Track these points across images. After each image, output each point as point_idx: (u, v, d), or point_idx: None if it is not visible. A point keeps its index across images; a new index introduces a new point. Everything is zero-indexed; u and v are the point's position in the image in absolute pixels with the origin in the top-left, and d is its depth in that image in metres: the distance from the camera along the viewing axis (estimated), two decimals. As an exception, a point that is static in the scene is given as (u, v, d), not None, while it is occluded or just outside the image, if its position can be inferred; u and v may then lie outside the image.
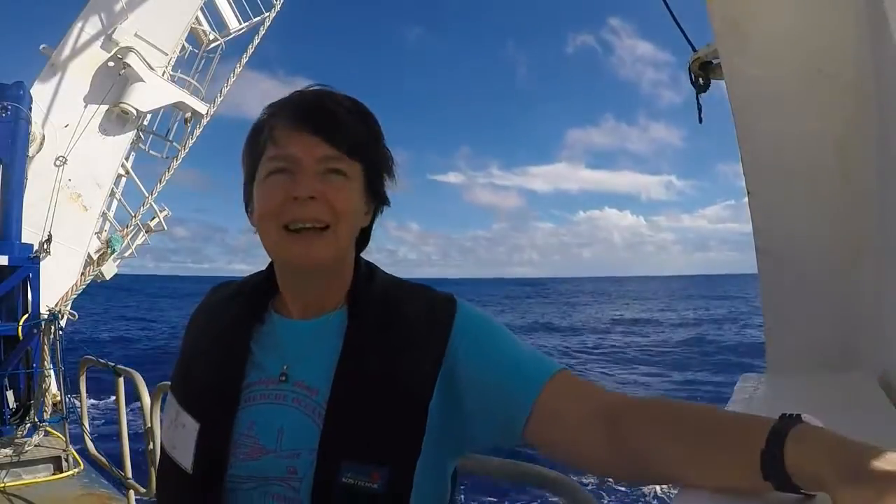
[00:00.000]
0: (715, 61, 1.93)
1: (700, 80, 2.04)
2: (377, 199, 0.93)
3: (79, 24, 6.98)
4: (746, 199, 1.41)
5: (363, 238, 0.96)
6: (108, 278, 7.54)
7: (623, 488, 8.51)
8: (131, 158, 8.14)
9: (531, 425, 0.79)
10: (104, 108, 7.08)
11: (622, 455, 0.73)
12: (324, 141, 0.83)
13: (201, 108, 7.87)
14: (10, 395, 5.50)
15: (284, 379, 0.86)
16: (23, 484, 4.75)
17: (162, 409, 3.35)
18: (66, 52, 6.90)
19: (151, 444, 3.44)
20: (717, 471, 0.64)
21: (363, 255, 0.97)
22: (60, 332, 5.60)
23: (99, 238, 7.60)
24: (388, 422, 0.80)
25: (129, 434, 4.06)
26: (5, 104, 5.65)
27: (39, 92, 6.64)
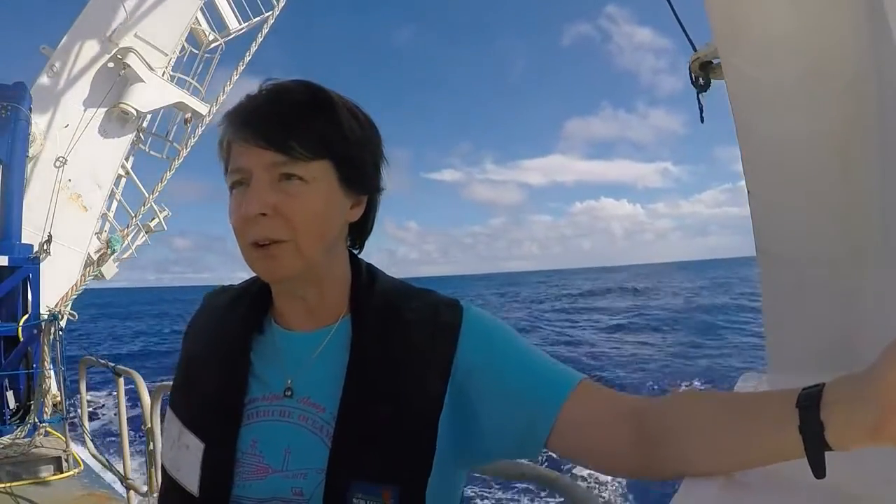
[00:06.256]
0: (715, 61, 1.93)
1: (700, 80, 2.03)
2: (361, 190, 0.85)
3: (79, 25, 6.99)
4: (746, 198, 1.41)
5: (359, 231, 0.90)
6: (108, 278, 7.55)
7: (623, 483, 8.51)
8: (131, 159, 8.16)
9: (554, 438, 0.77)
10: (104, 108, 7.10)
11: (650, 455, 0.72)
12: (271, 147, 0.77)
13: (202, 108, 7.89)
14: (10, 395, 5.51)
15: (290, 394, 0.82)
16: (23, 484, 4.75)
17: (162, 410, 3.35)
18: (67, 52, 6.91)
19: (151, 444, 3.44)
20: (746, 441, 0.65)
21: (368, 253, 0.92)
22: (60, 333, 5.60)
23: (99, 238, 7.62)
24: (398, 439, 0.77)
25: (129, 434, 4.07)
26: (5, 104, 5.66)
27: (39, 92, 6.65)
